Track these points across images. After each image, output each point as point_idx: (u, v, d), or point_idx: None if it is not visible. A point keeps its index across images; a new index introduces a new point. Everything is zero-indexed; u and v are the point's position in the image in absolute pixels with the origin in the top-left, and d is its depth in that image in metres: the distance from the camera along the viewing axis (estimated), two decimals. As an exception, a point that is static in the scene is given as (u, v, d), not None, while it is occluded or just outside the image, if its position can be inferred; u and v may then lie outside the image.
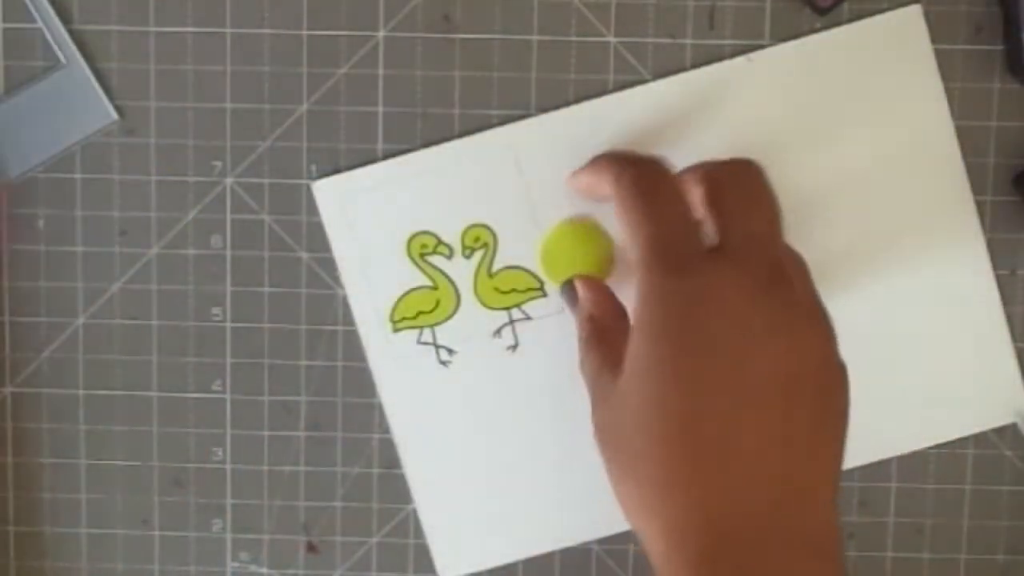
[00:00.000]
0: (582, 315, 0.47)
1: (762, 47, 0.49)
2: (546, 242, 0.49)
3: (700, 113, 0.49)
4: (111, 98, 0.50)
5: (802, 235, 0.50)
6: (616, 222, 0.42)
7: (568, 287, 0.48)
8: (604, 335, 0.45)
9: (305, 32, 0.49)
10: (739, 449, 0.38)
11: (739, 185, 0.41)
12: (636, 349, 0.40)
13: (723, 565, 0.38)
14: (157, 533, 0.51)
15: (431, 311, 0.50)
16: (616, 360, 0.41)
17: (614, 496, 0.41)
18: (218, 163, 0.50)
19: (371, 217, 0.50)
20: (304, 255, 0.50)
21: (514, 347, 0.50)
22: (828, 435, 0.40)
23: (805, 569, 0.38)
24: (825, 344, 0.40)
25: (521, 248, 0.50)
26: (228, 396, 0.51)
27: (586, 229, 0.49)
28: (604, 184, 0.44)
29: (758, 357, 0.38)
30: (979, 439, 0.51)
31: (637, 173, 0.42)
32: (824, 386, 0.40)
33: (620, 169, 0.42)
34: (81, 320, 0.51)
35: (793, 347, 0.39)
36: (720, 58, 0.49)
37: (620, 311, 0.46)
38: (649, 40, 0.49)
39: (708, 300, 0.39)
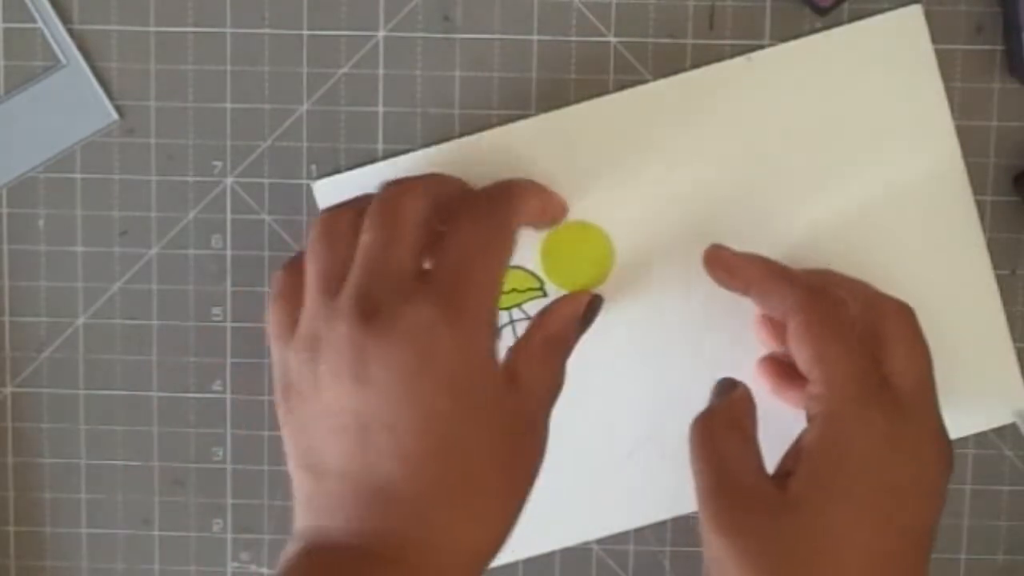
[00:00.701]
0: (739, 406, 0.44)
1: (762, 47, 0.49)
2: (546, 242, 0.49)
3: (700, 113, 0.49)
4: (111, 98, 0.50)
5: (802, 235, 0.50)
6: (795, 342, 0.43)
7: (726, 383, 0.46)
8: (749, 430, 0.44)
9: (305, 32, 0.49)
10: None
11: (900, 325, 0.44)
12: (822, 484, 0.41)
13: None
14: (157, 533, 0.51)
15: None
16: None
17: None
18: (218, 163, 0.50)
19: (371, 217, 0.50)
20: (304, 255, 0.50)
21: (514, 347, 0.50)
22: None
23: None
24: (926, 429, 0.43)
25: (521, 248, 0.50)
26: (228, 396, 0.51)
27: (586, 230, 0.49)
28: (778, 301, 0.44)
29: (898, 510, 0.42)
30: (979, 439, 0.51)
31: (823, 309, 0.43)
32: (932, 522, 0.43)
33: (805, 298, 0.43)
34: (81, 320, 0.51)
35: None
36: (720, 58, 0.49)
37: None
38: (649, 40, 0.49)
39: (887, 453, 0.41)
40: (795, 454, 0.42)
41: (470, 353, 0.40)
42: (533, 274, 0.50)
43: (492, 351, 0.41)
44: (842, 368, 0.42)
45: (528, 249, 0.50)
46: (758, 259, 0.46)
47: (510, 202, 0.44)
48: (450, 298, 0.40)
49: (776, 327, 0.47)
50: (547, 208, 0.47)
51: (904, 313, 0.44)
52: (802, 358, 0.43)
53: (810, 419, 0.42)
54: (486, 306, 0.41)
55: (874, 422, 0.41)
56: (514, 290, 0.50)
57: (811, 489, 0.41)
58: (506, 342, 0.50)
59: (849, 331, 0.43)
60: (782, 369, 0.47)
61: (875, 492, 0.40)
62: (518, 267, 0.50)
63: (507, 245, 0.43)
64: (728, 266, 0.46)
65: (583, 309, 0.45)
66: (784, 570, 0.40)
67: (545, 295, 0.50)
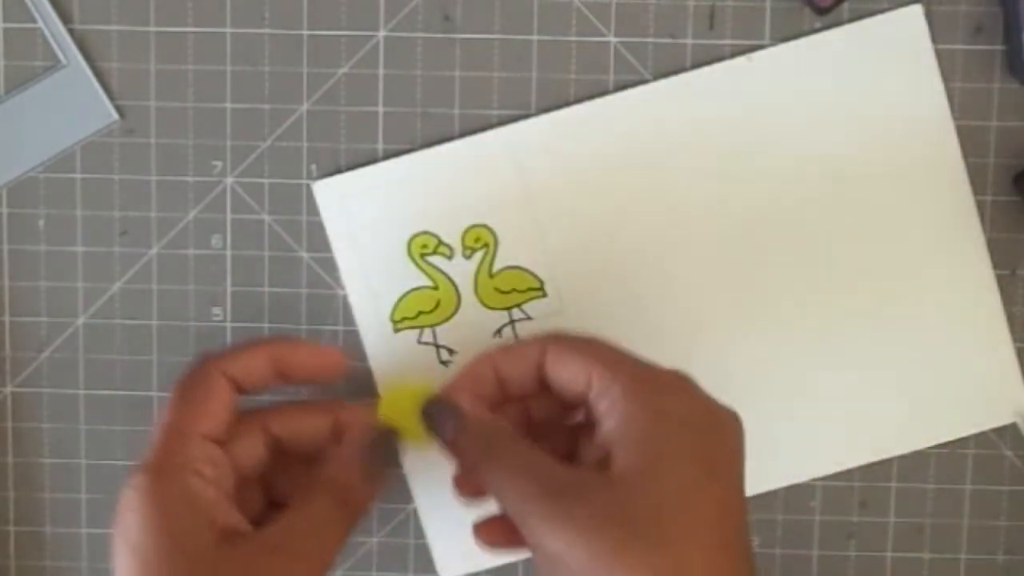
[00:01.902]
0: (484, 429, 0.44)
1: (762, 47, 0.49)
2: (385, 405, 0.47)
3: (700, 113, 0.49)
4: (111, 98, 0.50)
5: (802, 235, 0.50)
6: (558, 366, 0.44)
7: (438, 410, 0.44)
8: (518, 438, 0.43)
9: (305, 32, 0.49)
10: (728, 541, 0.41)
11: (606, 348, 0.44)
12: (648, 455, 0.41)
13: None
14: (157, 533, 0.51)
15: (432, 311, 0.50)
16: (551, 454, 0.42)
17: None
18: (218, 163, 0.50)
19: (371, 217, 0.50)
20: (304, 255, 0.50)
21: (514, 347, 0.50)
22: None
23: None
24: (711, 398, 0.43)
25: (521, 248, 0.50)
26: (228, 396, 0.51)
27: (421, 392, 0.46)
28: (532, 357, 0.44)
29: (726, 463, 0.42)
30: (979, 439, 0.51)
31: (563, 333, 0.45)
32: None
33: (551, 334, 0.45)
34: (81, 320, 0.51)
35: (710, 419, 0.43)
36: (720, 58, 0.49)
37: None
38: (649, 40, 0.49)
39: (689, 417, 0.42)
40: (600, 447, 0.42)
41: None
42: (533, 274, 0.50)
43: None
44: (612, 353, 0.43)
45: (528, 249, 0.50)
46: (499, 347, 0.46)
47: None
48: None
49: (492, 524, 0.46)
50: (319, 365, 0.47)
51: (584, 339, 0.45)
52: (572, 372, 0.43)
53: (602, 416, 0.42)
54: None
55: (663, 386, 0.42)
56: (514, 290, 0.50)
57: (638, 460, 0.41)
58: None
59: (597, 339, 0.44)
60: (505, 524, 0.45)
61: (694, 449, 0.41)
62: (518, 267, 0.50)
63: None
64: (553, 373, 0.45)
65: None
66: (625, 544, 0.39)
67: (545, 295, 0.50)
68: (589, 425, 0.43)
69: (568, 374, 0.43)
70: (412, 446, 0.46)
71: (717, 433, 0.42)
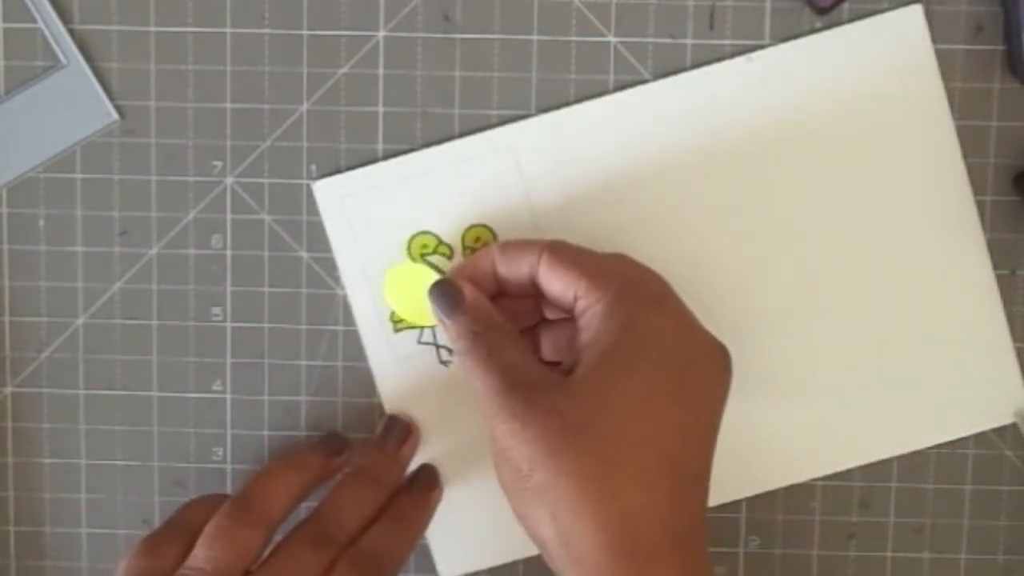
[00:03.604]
0: (480, 310, 0.46)
1: (762, 47, 0.49)
2: (391, 279, 0.49)
3: (700, 113, 0.49)
4: (111, 98, 0.50)
5: (801, 234, 0.50)
6: (549, 274, 0.45)
7: (444, 289, 0.46)
8: (506, 328, 0.45)
9: (305, 32, 0.49)
10: (682, 460, 0.42)
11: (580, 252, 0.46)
12: (608, 366, 0.42)
13: (668, 560, 0.40)
14: (157, 533, 0.51)
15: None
16: (529, 353, 0.44)
17: (528, 484, 0.41)
18: (218, 163, 0.50)
19: (371, 217, 0.50)
20: (304, 255, 0.50)
21: (514, 347, 0.50)
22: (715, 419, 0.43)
23: (699, 561, 0.42)
24: (726, 367, 0.44)
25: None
26: (228, 396, 0.51)
27: (425, 273, 0.49)
28: (526, 258, 0.46)
29: (694, 384, 0.43)
30: (979, 439, 0.51)
31: (566, 245, 0.46)
32: (721, 408, 0.44)
33: (549, 243, 0.46)
34: (81, 320, 0.51)
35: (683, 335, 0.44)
36: (720, 58, 0.49)
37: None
38: (649, 40, 0.49)
39: (665, 337, 0.43)
40: (575, 354, 0.43)
41: None
42: None
43: None
44: (603, 268, 0.44)
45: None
46: (501, 243, 0.47)
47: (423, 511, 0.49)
48: None
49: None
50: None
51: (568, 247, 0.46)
52: (563, 283, 0.44)
53: (583, 327, 0.43)
54: None
55: (644, 305, 0.43)
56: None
57: (596, 369, 0.42)
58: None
59: (594, 254, 0.45)
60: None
61: (659, 367, 0.42)
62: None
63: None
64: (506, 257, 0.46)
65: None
66: (563, 442, 0.40)
67: (545, 295, 0.50)
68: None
69: (559, 285, 0.44)
70: (409, 324, 0.50)
71: (692, 360, 0.43)
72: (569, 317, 0.45)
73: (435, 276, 0.47)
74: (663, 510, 0.41)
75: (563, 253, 0.45)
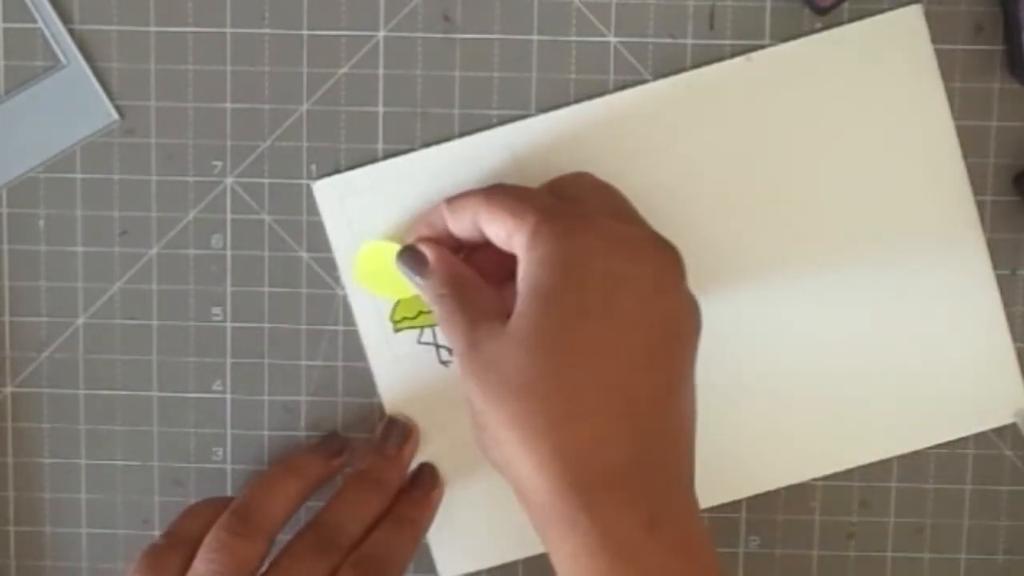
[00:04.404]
0: (442, 272, 0.46)
1: (762, 47, 0.49)
2: (360, 259, 0.49)
3: (700, 113, 0.49)
4: (111, 98, 0.50)
5: (801, 234, 0.50)
6: (489, 221, 0.44)
7: (409, 255, 0.47)
8: (470, 286, 0.45)
9: (305, 32, 0.49)
10: (619, 384, 0.41)
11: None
12: (530, 300, 0.42)
13: (611, 495, 0.40)
14: (157, 533, 0.51)
15: (432, 311, 0.50)
16: (491, 306, 0.44)
17: (487, 437, 0.42)
18: (218, 163, 0.50)
19: (372, 217, 0.50)
20: (304, 255, 0.50)
21: (514, 347, 0.50)
22: (686, 366, 0.43)
23: (681, 502, 0.41)
24: (674, 272, 0.44)
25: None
26: (228, 396, 0.51)
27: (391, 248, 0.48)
28: (469, 213, 0.45)
29: (625, 299, 0.42)
30: (979, 439, 0.51)
31: (500, 185, 0.46)
32: (675, 317, 0.43)
33: (485, 190, 0.46)
34: (81, 320, 0.51)
35: (651, 285, 0.43)
36: (720, 58, 0.49)
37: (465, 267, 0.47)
38: (649, 40, 0.49)
39: (588, 259, 0.42)
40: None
41: None
42: None
43: None
44: (527, 201, 0.44)
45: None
46: (448, 198, 0.47)
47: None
48: None
49: None
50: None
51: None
52: (497, 227, 0.44)
53: (520, 263, 0.43)
54: None
55: (565, 230, 0.43)
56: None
57: (524, 306, 0.42)
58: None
59: (530, 190, 0.46)
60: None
61: (584, 290, 0.41)
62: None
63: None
64: (454, 211, 0.46)
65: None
66: (500, 389, 0.41)
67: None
68: None
69: (495, 229, 0.44)
70: (389, 297, 0.50)
71: (622, 274, 0.42)
72: None
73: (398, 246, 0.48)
74: (602, 443, 0.40)
75: (497, 196, 0.45)
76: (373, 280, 0.49)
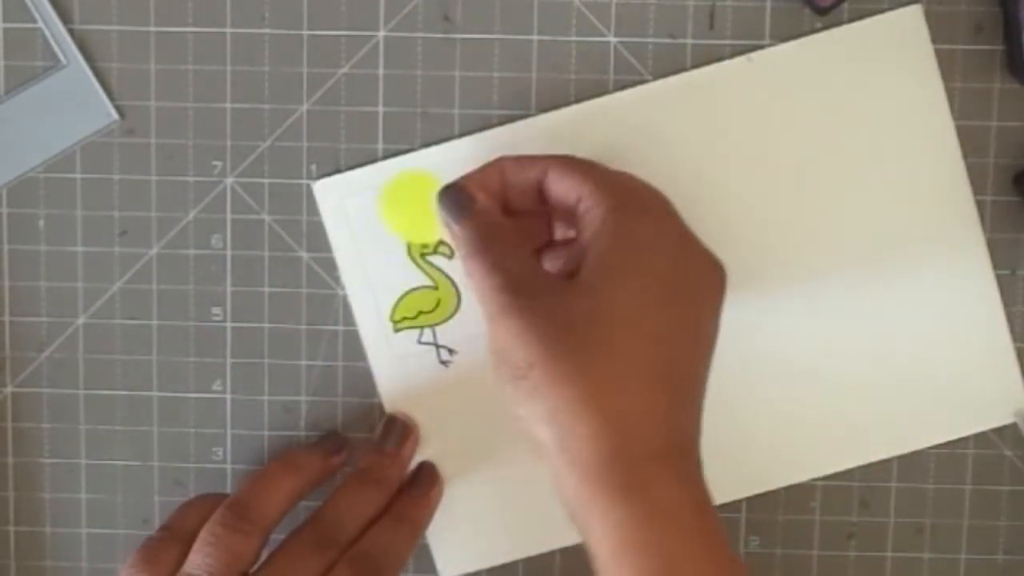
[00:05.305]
0: (488, 215, 0.45)
1: (762, 47, 0.49)
2: (390, 188, 0.49)
3: (700, 113, 0.49)
4: (111, 98, 0.50)
5: (801, 234, 0.50)
6: (559, 179, 0.45)
7: (455, 193, 0.45)
8: (512, 236, 0.45)
9: (305, 32, 0.49)
10: (676, 370, 0.42)
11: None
12: (608, 269, 0.42)
13: (665, 468, 0.40)
14: (157, 533, 0.51)
15: (432, 311, 0.50)
16: (530, 261, 0.44)
17: (528, 387, 0.41)
18: (218, 163, 0.50)
19: (371, 217, 0.50)
20: (304, 255, 0.50)
21: (514, 347, 0.50)
22: (709, 337, 0.44)
23: (692, 475, 0.42)
24: (695, 240, 0.44)
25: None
26: (228, 396, 0.51)
27: (427, 180, 0.49)
28: (539, 165, 0.46)
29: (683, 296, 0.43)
30: (979, 439, 0.51)
31: (575, 158, 0.46)
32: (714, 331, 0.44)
33: (558, 156, 0.46)
34: (81, 320, 0.51)
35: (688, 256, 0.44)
36: (720, 58, 0.49)
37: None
38: (649, 40, 0.49)
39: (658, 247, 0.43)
40: (577, 255, 0.43)
41: None
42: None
43: None
44: (609, 178, 0.45)
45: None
46: (510, 155, 0.47)
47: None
48: None
49: None
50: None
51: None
52: (568, 185, 0.44)
53: (582, 231, 0.44)
54: None
55: (643, 215, 0.43)
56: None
57: (596, 273, 0.42)
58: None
59: (603, 166, 0.46)
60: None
61: (655, 277, 0.42)
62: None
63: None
64: (519, 166, 0.46)
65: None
66: (564, 343, 0.41)
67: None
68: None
69: (563, 188, 0.45)
70: (404, 236, 0.49)
71: (689, 270, 0.43)
72: (574, 239, 0.45)
73: (437, 184, 0.46)
74: (659, 415, 0.41)
75: (571, 161, 0.45)
76: (395, 212, 0.49)
